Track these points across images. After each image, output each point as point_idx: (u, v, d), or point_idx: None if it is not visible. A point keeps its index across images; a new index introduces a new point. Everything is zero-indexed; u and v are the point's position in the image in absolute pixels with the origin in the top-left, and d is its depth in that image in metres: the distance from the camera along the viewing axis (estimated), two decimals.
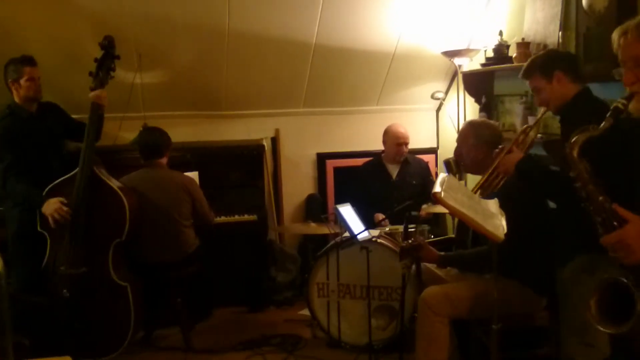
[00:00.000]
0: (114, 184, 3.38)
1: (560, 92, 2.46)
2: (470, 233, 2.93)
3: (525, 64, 2.59)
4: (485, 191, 2.78)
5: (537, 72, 2.51)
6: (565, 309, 2.41)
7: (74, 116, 3.87)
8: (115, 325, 3.29)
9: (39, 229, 3.30)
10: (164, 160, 3.69)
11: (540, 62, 2.52)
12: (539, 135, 3.06)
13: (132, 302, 3.29)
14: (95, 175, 3.32)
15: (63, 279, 3.21)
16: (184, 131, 4.36)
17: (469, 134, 2.96)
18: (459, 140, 3.07)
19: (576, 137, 1.69)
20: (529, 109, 3.53)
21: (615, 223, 1.58)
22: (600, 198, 1.63)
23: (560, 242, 2.47)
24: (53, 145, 3.62)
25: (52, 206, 3.21)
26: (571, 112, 2.44)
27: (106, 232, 3.31)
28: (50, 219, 3.21)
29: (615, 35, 1.67)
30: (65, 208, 3.21)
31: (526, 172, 2.46)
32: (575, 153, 1.67)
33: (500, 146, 2.68)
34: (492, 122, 3.40)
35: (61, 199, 3.24)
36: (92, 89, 3.41)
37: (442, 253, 2.92)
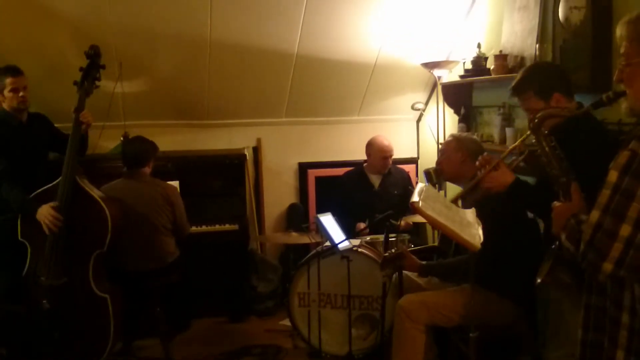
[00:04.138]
0: (97, 194, 3.34)
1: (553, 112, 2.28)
2: (453, 243, 2.96)
3: (516, 80, 2.41)
4: (466, 202, 2.82)
5: (532, 92, 2.33)
6: (548, 321, 2.44)
7: (56, 125, 3.85)
8: (94, 337, 3.25)
9: (19, 238, 3.26)
10: (147, 170, 3.67)
11: (537, 83, 2.33)
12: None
13: (112, 314, 3.25)
14: (77, 185, 3.28)
15: (43, 290, 3.16)
16: (165, 140, 4.33)
17: (452, 144, 3.04)
18: (442, 151, 3.13)
19: (545, 111, 1.85)
20: (507, 120, 3.58)
21: (562, 198, 1.73)
22: (555, 171, 1.78)
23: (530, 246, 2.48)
24: (39, 155, 3.62)
25: (44, 212, 3.17)
26: (566, 133, 2.26)
27: (87, 242, 3.27)
28: (44, 225, 3.16)
29: (617, 30, 1.62)
30: (54, 213, 3.16)
31: (519, 195, 2.42)
32: (537, 122, 1.86)
33: (482, 156, 2.57)
34: (473, 135, 3.48)
35: (53, 203, 3.19)
36: (76, 109, 3.33)
37: (424, 262, 2.96)
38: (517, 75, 2.45)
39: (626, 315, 1.48)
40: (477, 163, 2.51)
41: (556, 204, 1.69)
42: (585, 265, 1.47)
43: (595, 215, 1.44)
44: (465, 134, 3.60)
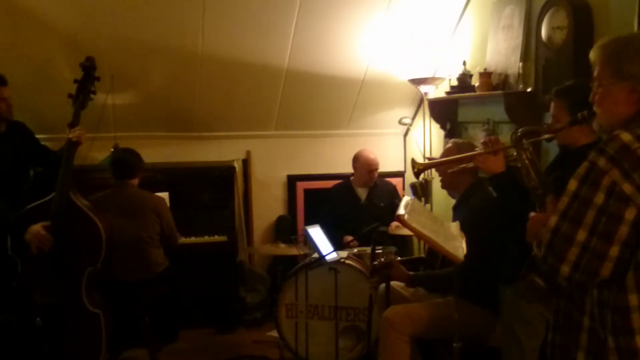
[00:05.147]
0: (91, 210, 3.27)
1: (575, 135, 2.32)
2: (439, 255, 3.00)
3: (563, 85, 2.42)
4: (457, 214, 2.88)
5: (567, 103, 2.32)
6: (505, 333, 2.50)
7: (43, 135, 3.84)
8: (86, 351, 3.22)
9: (9, 252, 3.18)
10: (135, 181, 3.70)
11: (575, 98, 2.26)
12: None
13: (104, 329, 3.22)
14: (71, 202, 3.21)
15: (36, 308, 3.12)
16: (155, 152, 4.37)
17: (453, 150, 3.06)
18: (443, 157, 3.15)
19: (526, 127, 1.95)
20: (491, 136, 3.65)
21: (538, 209, 1.80)
22: (533, 183, 1.86)
23: (509, 259, 2.54)
24: (22, 166, 3.55)
25: (34, 231, 3.10)
26: (574, 158, 2.21)
27: (81, 260, 3.21)
28: (33, 245, 3.10)
29: (590, 54, 1.69)
30: (44, 233, 3.10)
31: (497, 186, 2.51)
32: (518, 136, 1.95)
33: (490, 137, 2.61)
34: (473, 142, 3.53)
35: (44, 223, 3.12)
36: (71, 124, 3.26)
37: (412, 273, 2.99)
38: (569, 81, 2.48)
39: (587, 319, 1.56)
40: (482, 140, 2.60)
41: (532, 214, 1.76)
42: (546, 269, 1.53)
43: (553, 220, 1.51)
44: (466, 140, 3.61)
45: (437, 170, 3.10)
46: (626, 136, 1.45)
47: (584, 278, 1.47)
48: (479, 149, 2.67)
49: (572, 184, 1.49)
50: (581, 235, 1.45)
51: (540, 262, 1.54)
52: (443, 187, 3.22)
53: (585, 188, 1.46)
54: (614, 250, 1.42)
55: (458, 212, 2.98)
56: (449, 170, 2.85)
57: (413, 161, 2.85)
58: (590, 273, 1.45)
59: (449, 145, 3.17)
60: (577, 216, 1.46)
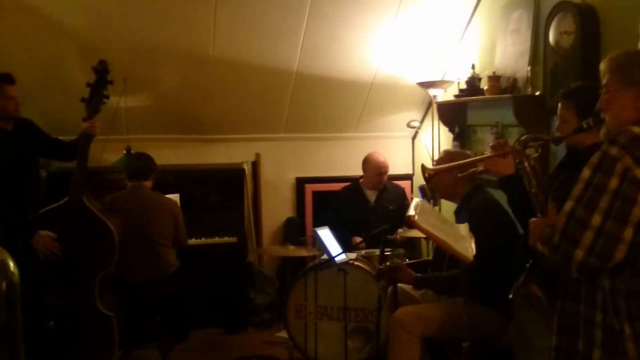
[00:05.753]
0: (103, 213, 3.29)
1: (582, 136, 2.23)
2: (446, 257, 3.02)
3: (572, 87, 2.42)
4: (459, 217, 2.91)
5: (574, 105, 2.30)
6: (517, 332, 2.52)
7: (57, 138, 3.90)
8: (98, 353, 3.25)
9: (20, 256, 3.10)
10: (149, 183, 3.75)
11: (583, 100, 2.23)
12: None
13: (117, 331, 3.25)
14: (84, 206, 3.23)
15: (49, 311, 3.14)
16: (166, 154, 4.42)
17: (444, 159, 3.11)
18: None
19: (529, 135, 2.02)
20: (499, 139, 3.67)
21: (539, 214, 1.86)
22: (534, 190, 1.91)
23: (518, 260, 2.55)
24: (29, 164, 3.56)
25: (41, 240, 3.12)
26: (582, 159, 2.17)
27: (94, 264, 3.24)
28: (40, 254, 3.12)
29: (600, 66, 1.74)
30: (54, 244, 3.12)
31: (507, 189, 2.50)
32: (520, 145, 2.04)
33: (499, 140, 2.61)
34: (466, 151, 3.58)
35: (50, 233, 3.14)
36: (85, 119, 3.27)
37: (419, 275, 3.01)
38: (576, 83, 2.50)
39: (599, 314, 1.58)
40: (491, 144, 2.61)
41: (533, 219, 1.79)
42: (560, 257, 1.55)
43: (568, 205, 1.55)
44: (458, 150, 3.67)
45: (431, 182, 3.13)
46: (636, 129, 1.52)
47: (598, 262, 1.50)
48: (487, 153, 2.69)
49: (586, 172, 1.55)
50: (596, 220, 1.49)
51: (554, 252, 1.56)
52: (441, 197, 3.25)
53: (598, 175, 1.51)
54: (628, 233, 1.47)
55: (460, 217, 3.00)
56: (459, 175, 2.88)
57: (423, 167, 2.89)
58: (604, 256, 1.49)
59: (442, 155, 3.22)
60: (592, 201, 1.51)
